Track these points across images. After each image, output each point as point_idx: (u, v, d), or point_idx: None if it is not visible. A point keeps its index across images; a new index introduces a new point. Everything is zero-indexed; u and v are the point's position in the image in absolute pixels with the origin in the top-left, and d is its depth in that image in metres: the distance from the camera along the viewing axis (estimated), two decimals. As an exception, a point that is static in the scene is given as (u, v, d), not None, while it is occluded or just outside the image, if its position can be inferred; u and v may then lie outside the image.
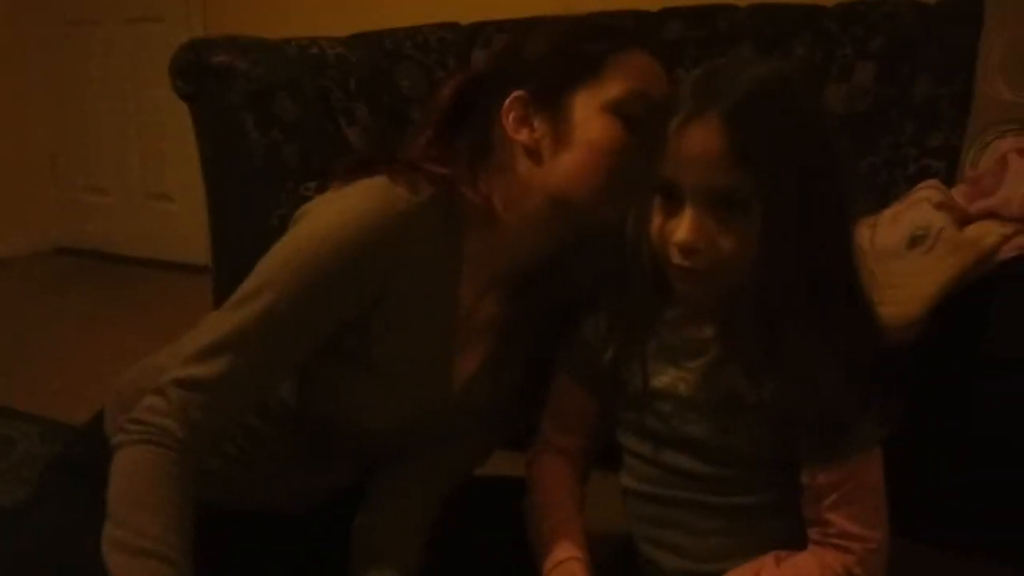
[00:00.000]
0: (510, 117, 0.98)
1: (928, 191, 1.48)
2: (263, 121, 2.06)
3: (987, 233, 1.38)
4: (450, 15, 2.71)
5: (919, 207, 1.45)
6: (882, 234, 1.45)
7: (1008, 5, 1.96)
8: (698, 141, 0.83)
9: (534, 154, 0.97)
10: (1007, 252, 1.37)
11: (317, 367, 0.97)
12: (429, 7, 2.80)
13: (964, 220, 1.45)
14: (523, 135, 0.97)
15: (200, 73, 2.06)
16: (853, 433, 0.87)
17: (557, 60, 0.98)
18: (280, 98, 2.09)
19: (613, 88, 0.95)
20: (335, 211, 0.92)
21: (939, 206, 1.43)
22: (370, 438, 1.02)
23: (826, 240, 0.87)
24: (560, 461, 1.06)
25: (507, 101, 0.98)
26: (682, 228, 0.85)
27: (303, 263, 0.89)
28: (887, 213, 1.49)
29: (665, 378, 0.95)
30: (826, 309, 0.87)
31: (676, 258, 0.87)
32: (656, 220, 0.89)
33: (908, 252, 1.40)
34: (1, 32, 3.82)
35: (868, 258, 1.41)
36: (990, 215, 1.43)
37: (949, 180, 1.89)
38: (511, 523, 1.05)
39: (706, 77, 0.87)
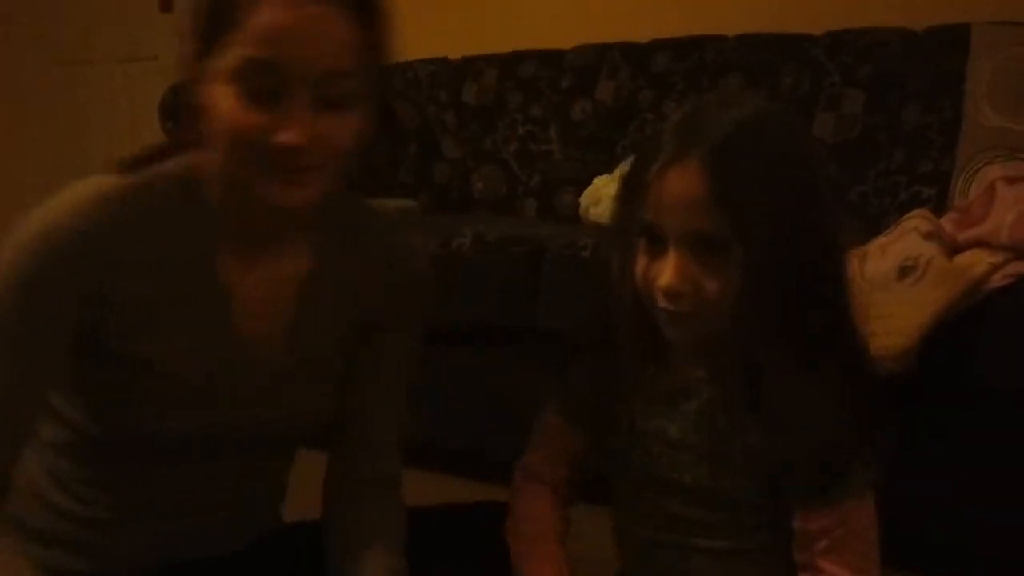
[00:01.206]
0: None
1: (917, 221, 1.48)
2: (253, 160, 2.06)
3: (976, 262, 1.38)
4: (439, 50, 2.73)
5: (908, 237, 1.45)
6: (871, 265, 1.45)
7: (994, 31, 1.97)
8: (679, 186, 0.83)
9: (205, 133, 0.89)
10: (997, 281, 1.36)
11: (103, 384, 0.93)
12: (418, 42, 2.81)
13: (953, 249, 1.45)
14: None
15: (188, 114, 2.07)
16: (844, 478, 0.86)
17: (198, 22, 0.86)
18: (270, 137, 2.10)
19: (231, 56, 0.83)
20: (39, 215, 0.87)
21: (928, 236, 1.43)
22: (200, 445, 0.96)
23: (812, 281, 0.85)
24: (546, 492, 1.05)
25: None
26: (666, 272, 0.84)
27: (17, 273, 0.86)
28: (876, 243, 1.49)
29: (656, 420, 0.94)
30: (814, 352, 0.85)
31: (661, 301, 0.86)
32: (640, 263, 0.87)
33: (897, 283, 1.40)
34: (-4, 73, 3.85)
35: (856, 289, 1.43)
36: (979, 244, 1.43)
37: (940, 206, 1.89)
38: (491, 548, 1.03)
39: (686, 119, 0.86)
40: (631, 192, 0.88)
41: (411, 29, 3.12)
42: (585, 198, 2.16)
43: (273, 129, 0.82)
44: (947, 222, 1.51)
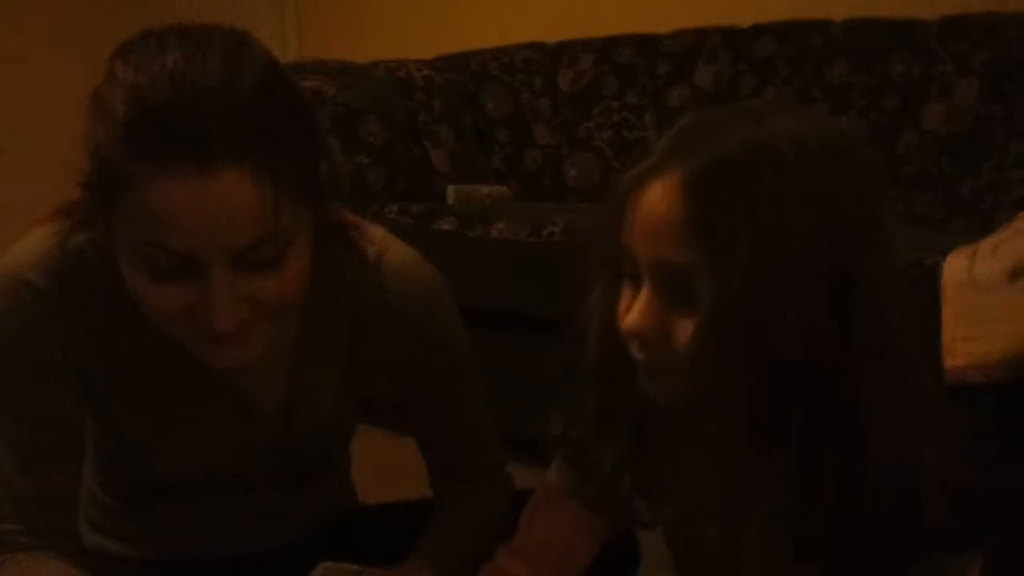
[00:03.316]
0: None
1: (1031, 220, 1.40)
2: (349, 145, 2.08)
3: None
4: (536, 35, 2.71)
5: (1022, 237, 1.37)
6: (981, 265, 1.38)
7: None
8: (653, 205, 0.68)
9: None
10: (1118, 287, 1.28)
11: (104, 437, 0.93)
12: (516, 27, 2.80)
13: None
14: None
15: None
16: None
17: (93, 177, 0.74)
18: (367, 122, 2.12)
19: (130, 234, 0.73)
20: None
21: (1044, 237, 1.35)
22: (211, 487, 0.96)
23: (815, 365, 0.65)
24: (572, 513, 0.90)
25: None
26: (632, 311, 0.70)
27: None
28: (987, 242, 1.42)
29: (671, 481, 0.80)
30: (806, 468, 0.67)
31: (633, 349, 0.71)
32: (624, 301, 0.72)
33: (1009, 285, 1.33)
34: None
35: (966, 290, 1.36)
36: (1100, 246, 1.35)
37: (1060, 202, 1.80)
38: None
39: (683, 128, 0.71)
40: (611, 208, 0.72)
41: (506, 14, 3.14)
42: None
43: (198, 309, 0.74)
44: (1066, 222, 1.42)
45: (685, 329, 0.68)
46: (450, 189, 2.27)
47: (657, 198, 0.67)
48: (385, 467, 1.45)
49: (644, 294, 0.69)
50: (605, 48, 2.56)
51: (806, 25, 2.29)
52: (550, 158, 2.56)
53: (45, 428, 0.85)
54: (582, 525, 0.89)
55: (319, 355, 0.95)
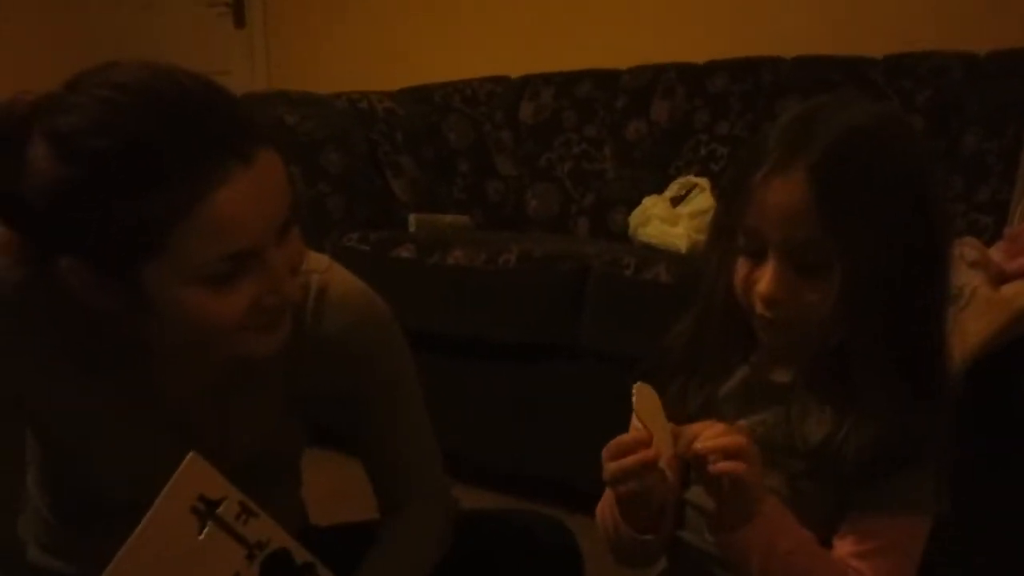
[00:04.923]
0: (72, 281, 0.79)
1: (963, 249, 1.44)
2: (309, 173, 2.11)
3: (1022, 293, 1.34)
4: (500, 68, 2.76)
5: (954, 265, 1.42)
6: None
7: (1058, 57, 1.93)
8: (782, 194, 0.83)
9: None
10: (1044, 312, 1.33)
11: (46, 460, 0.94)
12: (479, 60, 2.85)
13: (1001, 279, 1.41)
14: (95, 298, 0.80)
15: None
16: (905, 480, 0.85)
17: (103, 229, 0.73)
18: (327, 151, 2.15)
19: (193, 259, 0.75)
20: None
21: (974, 264, 1.40)
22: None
23: (914, 295, 0.84)
24: None
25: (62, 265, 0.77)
26: (765, 280, 0.85)
27: None
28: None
29: (743, 422, 0.92)
30: (908, 364, 0.85)
31: (759, 308, 0.86)
32: (741, 269, 0.88)
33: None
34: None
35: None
36: (1028, 274, 1.40)
37: (997, 235, 1.84)
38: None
39: (793, 126, 0.85)
40: (734, 196, 0.88)
41: (469, 49, 3.17)
42: (634, 218, 2.16)
43: (265, 296, 0.79)
44: (995, 251, 1.47)
45: (810, 291, 0.84)
46: (411, 218, 2.30)
47: (785, 188, 0.82)
48: (338, 487, 1.47)
49: (773, 266, 0.84)
50: (566, 82, 2.62)
51: (758, 62, 2.36)
52: (512, 188, 2.60)
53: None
54: None
55: (254, 382, 0.96)
